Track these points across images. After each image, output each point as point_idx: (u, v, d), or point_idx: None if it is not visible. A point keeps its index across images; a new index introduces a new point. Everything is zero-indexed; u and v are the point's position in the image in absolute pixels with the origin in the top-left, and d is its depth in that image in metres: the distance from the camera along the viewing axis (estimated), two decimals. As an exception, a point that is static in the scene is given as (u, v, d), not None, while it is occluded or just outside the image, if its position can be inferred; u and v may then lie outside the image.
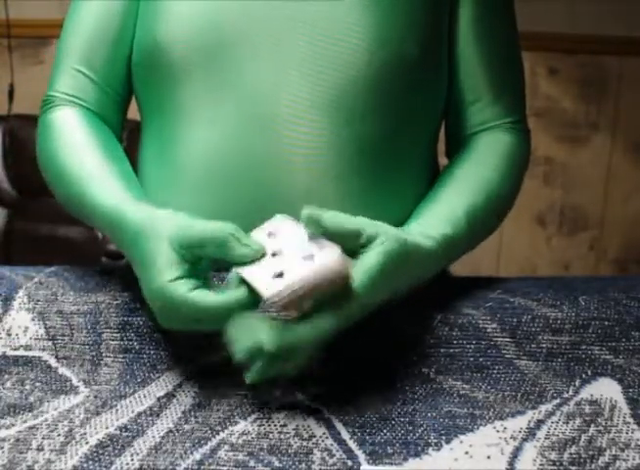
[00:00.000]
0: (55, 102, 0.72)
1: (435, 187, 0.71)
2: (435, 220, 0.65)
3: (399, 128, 0.71)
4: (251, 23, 0.67)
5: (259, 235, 0.55)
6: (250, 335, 0.50)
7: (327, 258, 0.50)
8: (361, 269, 0.52)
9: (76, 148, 0.68)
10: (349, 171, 0.69)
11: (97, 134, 0.70)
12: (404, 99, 0.70)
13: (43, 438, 0.51)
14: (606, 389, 0.57)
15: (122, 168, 0.67)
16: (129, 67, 0.74)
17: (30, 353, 0.60)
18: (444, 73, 0.74)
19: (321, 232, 0.53)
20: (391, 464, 0.50)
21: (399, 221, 0.73)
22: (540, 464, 0.50)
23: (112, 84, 0.73)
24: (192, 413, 0.54)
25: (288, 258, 0.52)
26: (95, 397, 0.56)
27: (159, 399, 0.56)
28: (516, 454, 0.51)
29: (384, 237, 0.54)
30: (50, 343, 0.61)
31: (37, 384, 0.57)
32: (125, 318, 0.62)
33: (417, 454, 0.50)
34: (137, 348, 0.61)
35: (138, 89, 0.74)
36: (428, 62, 0.71)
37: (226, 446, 0.51)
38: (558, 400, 0.56)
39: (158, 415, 0.54)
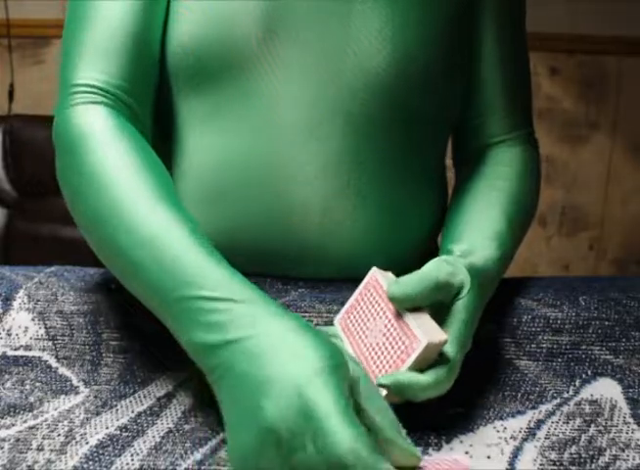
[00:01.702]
0: (81, 95, 0.62)
1: (465, 204, 0.69)
2: (488, 241, 0.64)
3: (417, 139, 0.71)
4: (279, 32, 0.65)
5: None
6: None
7: (422, 348, 0.50)
8: (453, 338, 0.53)
9: (124, 186, 0.55)
10: (368, 184, 0.68)
11: (143, 158, 0.58)
12: (423, 110, 0.70)
13: (43, 438, 0.51)
14: (606, 389, 0.57)
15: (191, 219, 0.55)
16: (158, 60, 0.68)
17: (30, 353, 0.60)
18: (462, 87, 0.74)
19: (410, 305, 0.52)
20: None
21: (414, 231, 0.73)
22: (540, 464, 0.50)
23: (142, 68, 0.65)
24: (192, 413, 0.54)
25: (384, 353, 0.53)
26: (95, 397, 0.56)
27: (158, 399, 0.56)
28: (516, 454, 0.51)
29: (465, 288, 0.55)
30: (50, 343, 0.61)
31: (37, 384, 0.57)
32: (125, 318, 0.62)
33: (417, 454, 0.50)
34: (137, 348, 0.61)
35: (162, 88, 0.71)
36: (449, 75, 0.71)
37: (226, 446, 0.51)
38: (558, 400, 0.56)
39: (158, 415, 0.54)
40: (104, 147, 0.58)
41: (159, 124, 0.74)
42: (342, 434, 0.40)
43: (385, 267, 0.66)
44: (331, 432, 0.40)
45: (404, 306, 0.52)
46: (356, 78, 0.66)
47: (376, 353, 0.53)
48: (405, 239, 0.73)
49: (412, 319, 0.51)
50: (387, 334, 0.53)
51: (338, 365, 0.44)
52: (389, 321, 0.53)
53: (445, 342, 0.51)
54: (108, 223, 0.54)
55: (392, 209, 0.71)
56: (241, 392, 0.45)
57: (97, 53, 0.63)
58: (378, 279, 0.56)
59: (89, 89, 0.63)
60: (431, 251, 0.78)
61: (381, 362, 0.52)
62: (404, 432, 0.47)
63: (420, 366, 0.50)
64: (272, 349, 0.45)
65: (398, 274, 0.62)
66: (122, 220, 0.54)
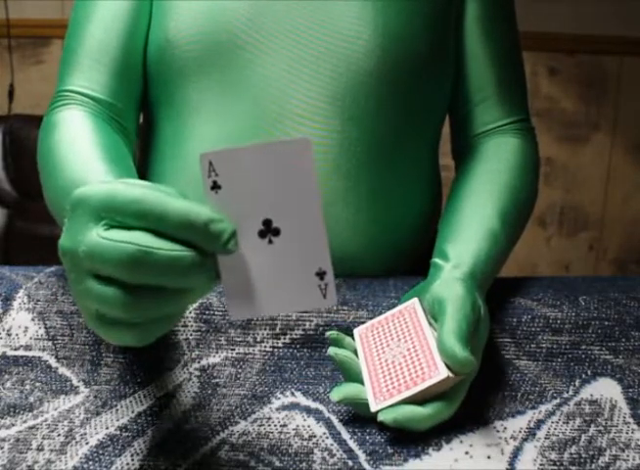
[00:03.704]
0: (64, 99, 0.68)
1: (460, 201, 0.69)
2: (481, 242, 0.63)
3: (407, 125, 0.72)
4: (262, 20, 0.67)
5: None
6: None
7: (435, 380, 0.50)
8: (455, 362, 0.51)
9: (75, 145, 0.62)
10: (358, 168, 0.69)
11: (100, 133, 0.64)
12: (413, 96, 0.71)
13: (43, 438, 0.51)
14: (606, 389, 0.57)
15: (117, 161, 0.61)
16: (143, 63, 0.73)
17: (30, 353, 0.60)
18: (451, 71, 0.75)
19: None
20: (392, 465, 0.50)
21: (405, 217, 0.74)
22: (540, 464, 0.50)
23: (127, 76, 0.71)
24: (192, 413, 0.54)
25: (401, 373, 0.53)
26: (95, 397, 0.56)
27: (159, 398, 0.56)
28: (516, 454, 0.51)
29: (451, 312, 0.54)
30: (50, 343, 0.61)
31: (37, 384, 0.57)
32: (125, 318, 0.62)
33: (417, 455, 0.50)
34: (137, 348, 0.61)
35: (149, 86, 0.74)
36: (436, 59, 0.71)
37: (226, 447, 0.51)
38: (558, 400, 0.56)
39: (157, 415, 0.54)
40: (68, 130, 0.64)
41: (151, 117, 0.75)
42: None
43: (377, 253, 0.66)
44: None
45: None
46: (339, 62, 0.68)
47: (389, 370, 0.53)
48: (396, 224, 0.73)
49: (438, 351, 0.52)
50: (407, 357, 0.53)
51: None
52: (414, 346, 0.53)
53: (461, 379, 0.51)
54: (61, 194, 0.58)
55: (382, 192, 0.71)
56: None
57: (85, 62, 0.69)
58: (416, 308, 0.57)
59: (75, 95, 0.69)
60: (428, 237, 0.78)
61: (391, 379, 0.52)
62: None
63: (427, 395, 0.51)
64: None
65: (392, 259, 0.63)
66: (64, 178, 0.58)
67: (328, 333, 0.57)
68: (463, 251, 0.62)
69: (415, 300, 0.58)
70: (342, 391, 0.52)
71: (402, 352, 0.54)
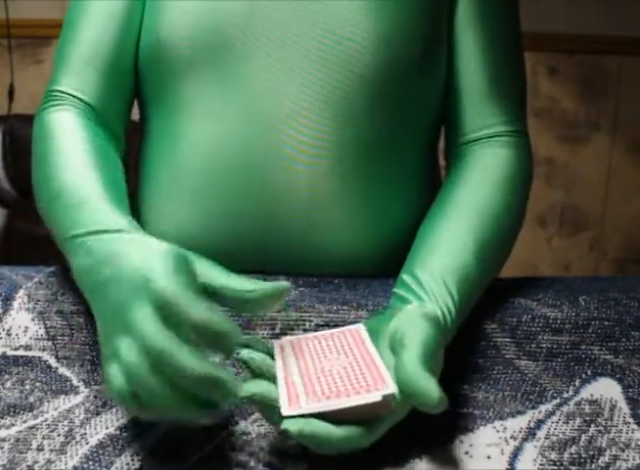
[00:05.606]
0: (56, 100, 0.69)
1: (437, 222, 0.65)
2: (449, 277, 0.58)
3: (401, 127, 0.71)
4: (256, 20, 0.67)
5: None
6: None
7: (370, 400, 0.45)
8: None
9: (66, 156, 0.62)
10: (352, 171, 0.69)
11: (90, 141, 0.64)
12: (406, 98, 0.70)
13: (43, 438, 0.51)
14: (606, 389, 0.57)
15: (107, 168, 0.62)
16: (135, 63, 0.73)
17: (30, 353, 0.60)
18: (444, 74, 0.74)
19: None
20: (392, 464, 0.50)
21: (400, 220, 0.73)
22: (540, 464, 0.50)
23: (118, 78, 0.71)
24: (192, 413, 0.54)
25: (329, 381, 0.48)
26: (95, 397, 0.56)
27: (159, 399, 0.55)
28: (516, 454, 0.51)
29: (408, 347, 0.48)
30: (50, 343, 0.61)
31: (37, 384, 0.57)
32: (125, 318, 0.62)
33: (417, 455, 0.50)
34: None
35: (142, 85, 0.74)
36: (429, 61, 0.71)
37: (226, 447, 0.51)
38: (558, 400, 0.56)
39: (158, 415, 0.54)
40: (62, 135, 0.64)
41: (143, 117, 0.75)
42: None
43: (375, 255, 0.66)
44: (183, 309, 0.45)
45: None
46: (333, 63, 0.67)
47: (324, 376, 0.49)
48: (394, 225, 0.73)
49: (386, 370, 0.48)
50: (348, 369, 0.49)
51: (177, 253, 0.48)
52: (357, 363, 0.49)
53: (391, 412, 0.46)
54: (50, 196, 0.59)
55: (378, 194, 0.71)
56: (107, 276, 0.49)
57: (77, 64, 0.69)
58: (360, 332, 0.53)
59: (65, 96, 0.69)
60: None
61: (327, 385, 0.48)
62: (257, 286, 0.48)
63: (360, 412, 0.46)
64: (131, 242, 0.50)
65: (391, 261, 0.62)
66: (58, 184, 0.59)
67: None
68: (433, 285, 0.57)
69: (361, 325, 0.54)
70: (252, 387, 0.48)
71: (342, 363, 0.49)
